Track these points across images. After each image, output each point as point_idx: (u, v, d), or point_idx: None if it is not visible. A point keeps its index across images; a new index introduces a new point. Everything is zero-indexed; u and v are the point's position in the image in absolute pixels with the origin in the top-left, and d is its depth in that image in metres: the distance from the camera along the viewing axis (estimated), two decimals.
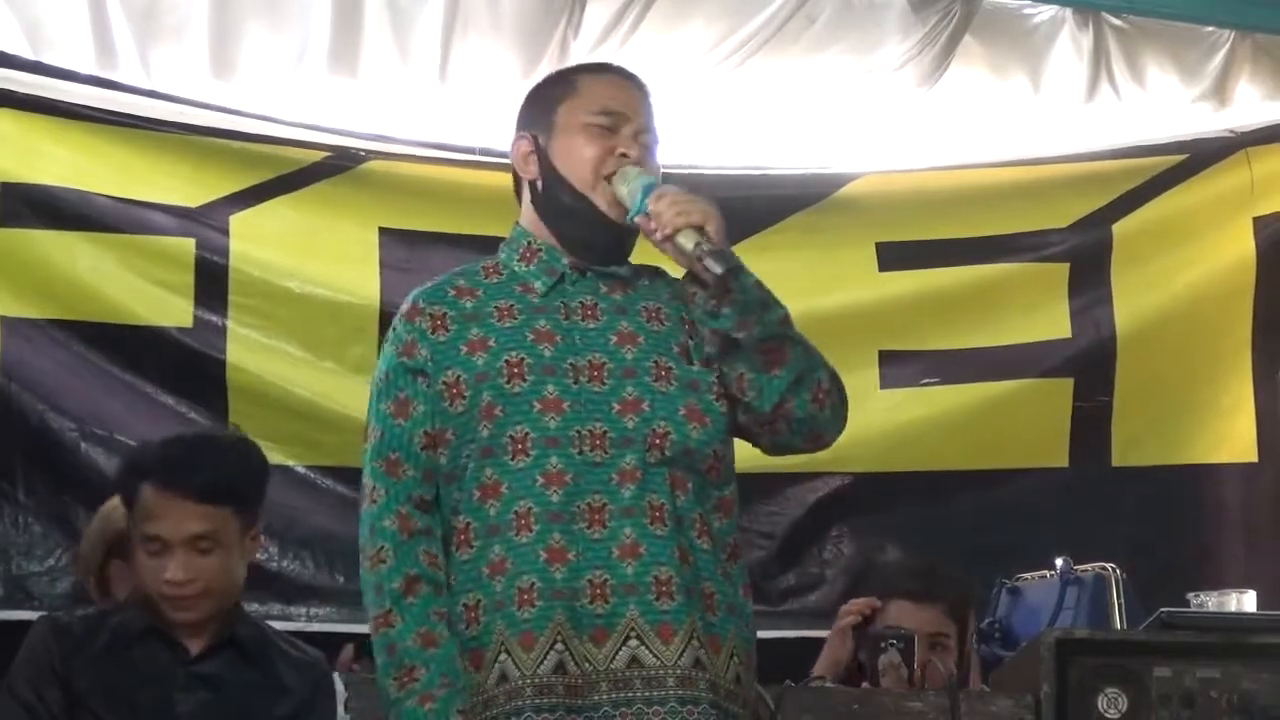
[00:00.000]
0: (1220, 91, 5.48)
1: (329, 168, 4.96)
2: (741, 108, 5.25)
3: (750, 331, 2.87)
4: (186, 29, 4.75)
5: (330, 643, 3.92)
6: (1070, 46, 5.35)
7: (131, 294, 4.77)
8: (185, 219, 4.83)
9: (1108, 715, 3.60)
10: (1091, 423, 5.42)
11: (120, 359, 4.75)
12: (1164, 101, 5.48)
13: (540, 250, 2.98)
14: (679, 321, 2.95)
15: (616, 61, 3.27)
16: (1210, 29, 5.44)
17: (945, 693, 3.62)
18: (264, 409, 4.79)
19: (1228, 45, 5.45)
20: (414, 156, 5.03)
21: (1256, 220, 5.54)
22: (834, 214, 5.36)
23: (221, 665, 3.34)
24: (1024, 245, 5.47)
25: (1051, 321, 5.44)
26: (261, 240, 4.89)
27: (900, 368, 5.34)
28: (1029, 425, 5.41)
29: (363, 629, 2.93)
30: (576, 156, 2.95)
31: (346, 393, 4.80)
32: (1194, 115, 5.52)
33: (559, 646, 2.76)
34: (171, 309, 4.80)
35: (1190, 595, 4.44)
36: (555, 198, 2.98)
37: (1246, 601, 4.45)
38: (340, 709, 3.42)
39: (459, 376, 2.88)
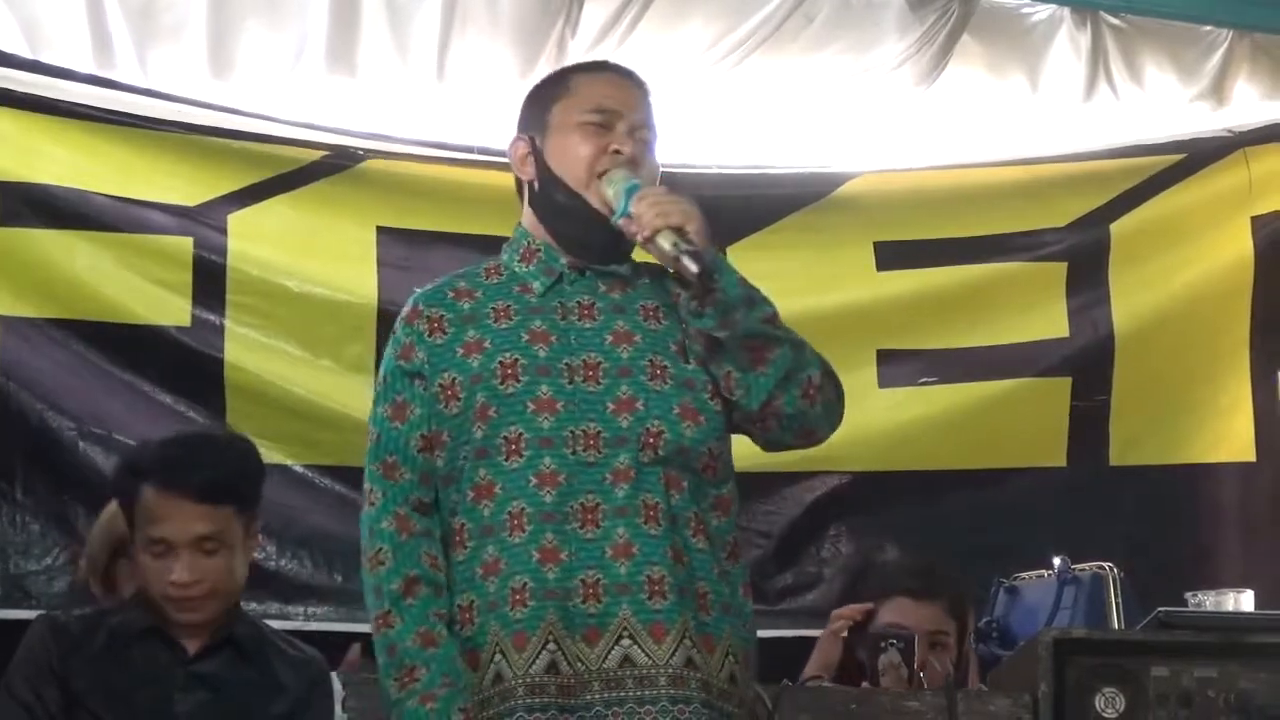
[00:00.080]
0: (1218, 91, 5.48)
1: (327, 167, 4.96)
2: (739, 107, 5.25)
3: (733, 330, 2.87)
4: (184, 28, 4.75)
5: (328, 642, 3.92)
6: (1068, 46, 5.35)
7: (130, 293, 4.77)
8: (183, 218, 4.83)
9: (1105, 715, 3.60)
10: (1089, 422, 5.42)
11: (118, 358, 4.75)
12: (1162, 101, 5.48)
13: (539, 250, 2.98)
14: (678, 320, 2.95)
15: (614, 60, 3.27)
16: (1208, 28, 5.44)
17: (943, 692, 3.62)
18: (262, 408, 4.80)
19: (1226, 44, 5.44)
20: (412, 155, 5.03)
21: (1254, 220, 5.55)
22: (832, 213, 5.36)
23: (220, 665, 3.33)
24: (1022, 245, 5.47)
25: (1049, 321, 5.44)
26: (259, 239, 4.89)
27: (898, 367, 5.34)
28: (1027, 425, 5.41)
29: (361, 628, 2.94)
30: (570, 155, 2.95)
31: (344, 391, 4.81)
32: (1192, 114, 5.52)
33: (551, 646, 2.77)
34: (170, 308, 4.80)
35: (1188, 595, 4.44)
36: (550, 197, 2.98)
37: (1244, 601, 4.46)
38: (338, 708, 3.42)
39: (454, 378, 2.88)
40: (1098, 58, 5.36)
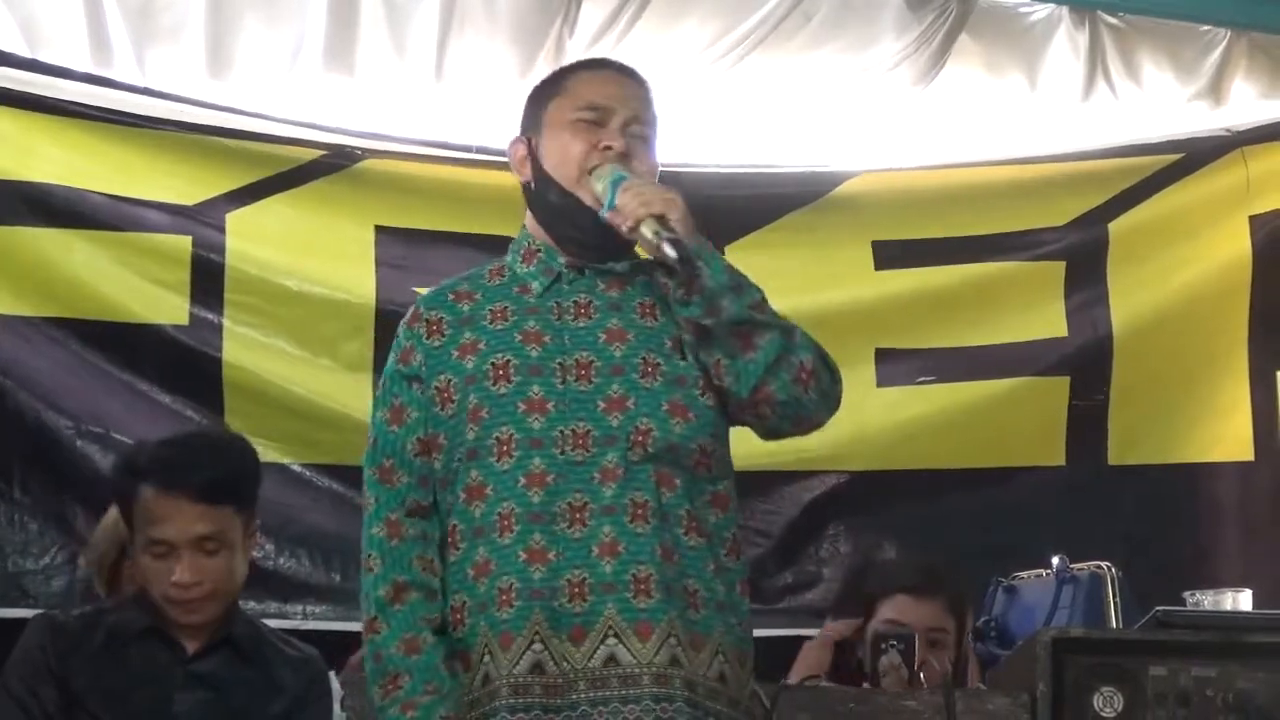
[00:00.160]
0: (1216, 90, 5.48)
1: (325, 166, 4.96)
2: (737, 106, 5.25)
3: (720, 317, 2.85)
4: (182, 27, 4.75)
5: (326, 641, 3.91)
6: (1066, 45, 5.35)
7: (128, 292, 4.77)
8: (181, 217, 4.83)
9: (1103, 714, 3.60)
10: (1088, 421, 5.42)
11: (116, 357, 4.75)
12: (1160, 100, 5.48)
13: (539, 251, 2.98)
14: (674, 316, 2.94)
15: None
16: (1206, 27, 5.43)
17: (941, 691, 3.62)
18: (260, 407, 4.80)
19: (1224, 44, 5.44)
20: (410, 155, 5.03)
21: (1252, 219, 5.54)
22: (830, 212, 5.36)
23: (218, 664, 3.34)
24: (1020, 244, 5.47)
25: (1048, 320, 5.44)
26: (258, 238, 4.89)
27: (896, 366, 5.34)
28: (1025, 424, 5.41)
29: (359, 628, 2.93)
30: (562, 154, 2.95)
31: (343, 390, 4.81)
32: (1190, 114, 5.52)
33: (536, 646, 2.76)
34: (168, 307, 4.80)
35: (1186, 594, 4.43)
36: (545, 197, 2.97)
37: (1243, 600, 4.45)
38: (336, 707, 3.42)
39: (449, 380, 2.88)
40: (1096, 57, 5.36)
